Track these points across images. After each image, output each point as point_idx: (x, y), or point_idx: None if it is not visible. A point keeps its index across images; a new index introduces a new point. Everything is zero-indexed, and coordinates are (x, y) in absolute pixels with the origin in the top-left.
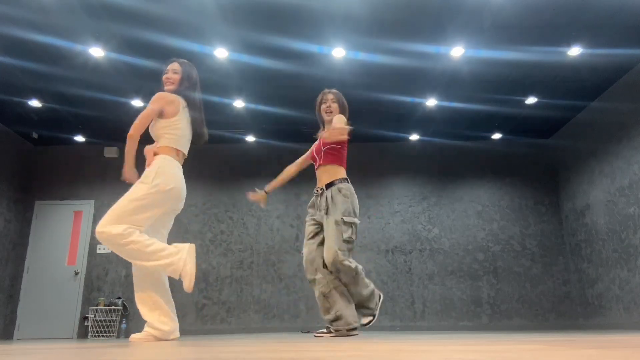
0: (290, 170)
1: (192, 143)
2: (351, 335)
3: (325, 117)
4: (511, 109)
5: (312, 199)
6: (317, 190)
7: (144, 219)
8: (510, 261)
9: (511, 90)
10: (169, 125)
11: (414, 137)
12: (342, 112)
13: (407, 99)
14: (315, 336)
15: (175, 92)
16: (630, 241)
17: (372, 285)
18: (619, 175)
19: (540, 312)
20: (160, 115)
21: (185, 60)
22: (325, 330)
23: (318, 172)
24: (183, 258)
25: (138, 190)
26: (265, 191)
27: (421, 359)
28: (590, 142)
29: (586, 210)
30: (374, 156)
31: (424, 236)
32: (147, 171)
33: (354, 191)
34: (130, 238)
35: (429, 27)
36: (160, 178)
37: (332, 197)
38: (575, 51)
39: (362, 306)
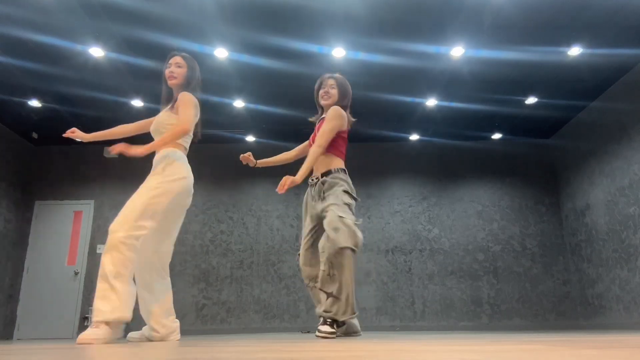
0: (289, 154)
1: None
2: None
3: (322, 101)
4: (511, 109)
5: (305, 195)
6: (312, 180)
7: (155, 215)
8: (510, 261)
9: (511, 90)
10: None
11: (414, 137)
12: (341, 99)
13: (407, 99)
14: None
15: (182, 87)
16: (630, 241)
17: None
18: (619, 175)
19: (540, 312)
20: (177, 111)
21: (187, 55)
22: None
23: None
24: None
25: (151, 180)
26: (256, 161)
27: (421, 359)
28: (590, 142)
29: (586, 210)
30: (374, 156)
31: (424, 236)
32: (156, 163)
33: (350, 182)
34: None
35: (429, 27)
36: (171, 167)
37: (329, 185)
38: (575, 51)
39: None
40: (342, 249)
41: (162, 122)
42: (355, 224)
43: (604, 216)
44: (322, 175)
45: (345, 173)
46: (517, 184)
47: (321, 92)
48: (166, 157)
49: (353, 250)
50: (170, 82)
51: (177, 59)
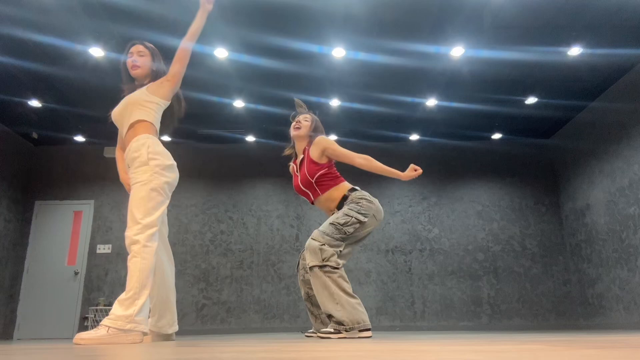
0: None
1: (171, 120)
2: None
3: (293, 132)
4: (511, 109)
5: None
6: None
7: (160, 211)
8: (510, 261)
9: (511, 90)
10: (158, 103)
11: (414, 137)
12: (315, 131)
13: (407, 99)
14: (307, 336)
15: (149, 78)
16: (630, 241)
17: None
18: (619, 175)
19: (540, 312)
20: (159, 91)
21: (150, 43)
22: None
23: (318, 204)
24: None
25: (140, 174)
26: None
27: (421, 359)
28: (590, 142)
29: (586, 210)
30: (374, 156)
31: (424, 236)
32: (137, 154)
33: (363, 200)
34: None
35: (429, 27)
36: (157, 157)
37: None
38: (575, 51)
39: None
40: (310, 268)
41: (139, 99)
42: (331, 244)
43: (604, 216)
44: (338, 207)
45: (358, 190)
46: (517, 184)
47: (293, 123)
48: (144, 144)
49: (322, 266)
50: (134, 72)
51: (139, 47)
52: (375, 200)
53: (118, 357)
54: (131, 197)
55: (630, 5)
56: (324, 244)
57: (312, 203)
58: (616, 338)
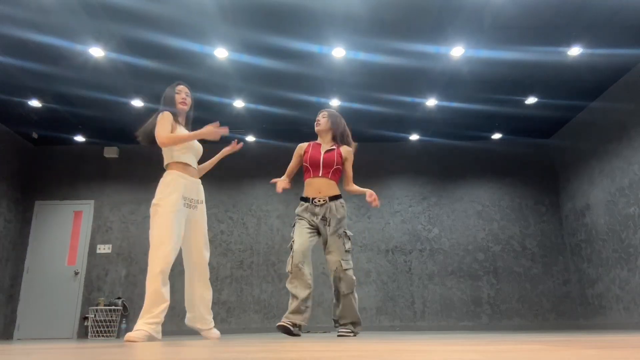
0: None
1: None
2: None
3: (316, 128)
4: (511, 109)
5: (304, 206)
6: (319, 201)
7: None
8: (510, 261)
9: (511, 90)
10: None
11: (414, 137)
12: (332, 126)
13: (407, 99)
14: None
15: (186, 114)
16: (630, 241)
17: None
18: (619, 175)
19: (540, 312)
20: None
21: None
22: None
23: (317, 181)
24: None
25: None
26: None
27: (421, 359)
28: (590, 142)
29: (586, 210)
30: (374, 156)
31: (424, 236)
32: (201, 191)
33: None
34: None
35: (429, 27)
36: (160, 193)
37: (336, 210)
38: (575, 51)
39: (349, 321)
40: (346, 295)
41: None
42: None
43: (604, 216)
44: (330, 198)
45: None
46: (517, 184)
47: (316, 121)
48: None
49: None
50: (183, 108)
51: (187, 89)
52: None
53: (117, 356)
54: (204, 226)
55: (630, 5)
56: (352, 272)
57: (315, 176)
58: (616, 338)
